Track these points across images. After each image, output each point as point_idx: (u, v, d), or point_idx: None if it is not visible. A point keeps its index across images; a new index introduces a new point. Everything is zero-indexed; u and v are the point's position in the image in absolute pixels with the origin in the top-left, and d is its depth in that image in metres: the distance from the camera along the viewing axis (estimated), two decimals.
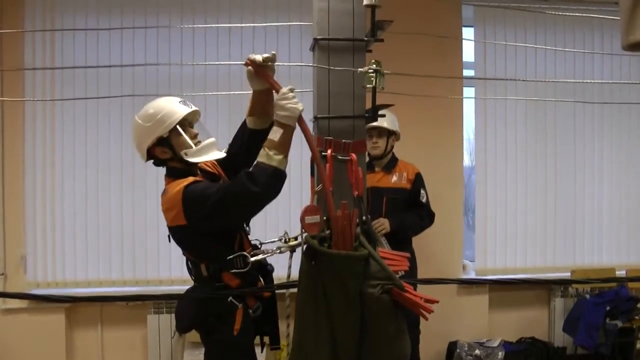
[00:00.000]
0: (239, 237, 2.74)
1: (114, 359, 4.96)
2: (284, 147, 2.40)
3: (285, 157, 2.42)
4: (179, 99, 2.71)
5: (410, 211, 4.38)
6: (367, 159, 4.25)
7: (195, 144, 2.69)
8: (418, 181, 4.43)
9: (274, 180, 2.40)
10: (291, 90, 2.38)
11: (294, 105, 2.34)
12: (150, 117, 2.62)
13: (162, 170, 2.79)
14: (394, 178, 4.39)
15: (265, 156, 2.39)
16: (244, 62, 2.46)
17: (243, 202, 2.45)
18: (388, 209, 4.29)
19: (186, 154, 2.65)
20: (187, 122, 2.68)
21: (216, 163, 2.87)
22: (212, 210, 2.44)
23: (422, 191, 4.43)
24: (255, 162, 2.44)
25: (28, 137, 4.80)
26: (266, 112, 2.78)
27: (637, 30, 1.05)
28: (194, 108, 2.71)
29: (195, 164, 2.70)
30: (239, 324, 2.65)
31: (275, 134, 2.39)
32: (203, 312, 2.70)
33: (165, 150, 2.67)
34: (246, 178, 2.39)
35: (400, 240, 4.21)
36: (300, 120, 2.37)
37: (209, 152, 2.72)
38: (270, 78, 2.46)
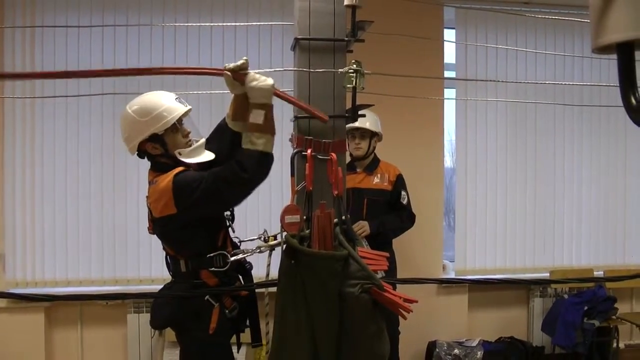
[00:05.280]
0: (223, 234, 2.75)
1: (94, 359, 4.93)
2: (268, 127, 2.42)
3: (272, 135, 2.45)
4: (174, 96, 2.70)
5: (391, 213, 4.40)
6: (349, 159, 4.30)
7: (187, 143, 2.70)
8: (399, 183, 4.44)
9: (262, 164, 2.43)
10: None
11: (264, 83, 2.36)
12: (147, 113, 2.60)
13: (144, 169, 2.79)
14: (376, 179, 4.40)
15: (249, 142, 2.41)
16: (222, 67, 2.46)
17: (233, 188, 2.47)
18: (369, 210, 4.30)
19: (180, 154, 2.65)
20: (180, 120, 2.68)
21: None
22: (203, 195, 2.45)
23: (403, 193, 4.44)
24: (241, 150, 2.45)
25: (7, 135, 4.76)
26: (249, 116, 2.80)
27: (606, 34, 1.06)
28: (188, 106, 2.71)
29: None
30: (214, 323, 2.65)
31: (257, 117, 2.39)
32: (179, 309, 2.70)
33: (157, 146, 2.67)
34: (236, 164, 2.41)
35: (381, 241, 4.22)
36: (275, 91, 2.39)
37: (201, 153, 2.73)
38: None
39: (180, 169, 2.60)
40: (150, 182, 2.69)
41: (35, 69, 4.74)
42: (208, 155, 2.74)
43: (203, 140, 2.77)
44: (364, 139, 4.33)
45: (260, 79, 2.37)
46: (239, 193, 2.54)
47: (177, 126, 2.66)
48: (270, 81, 2.38)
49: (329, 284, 2.18)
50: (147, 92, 2.71)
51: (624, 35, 1.06)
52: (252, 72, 2.39)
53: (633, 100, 1.08)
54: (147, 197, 2.71)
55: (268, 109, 2.40)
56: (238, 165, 2.41)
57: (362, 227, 4.15)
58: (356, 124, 3.92)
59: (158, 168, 2.70)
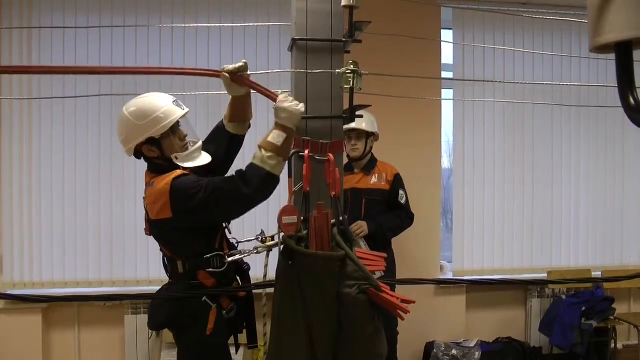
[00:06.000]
0: (220, 235, 2.74)
1: None
2: (284, 151, 2.39)
3: (285, 160, 2.42)
4: (172, 98, 2.68)
5: (390, 212, 4.38)
6: (347, 160, 4.30)
7: (184, 146, 2.69)
8: (397, 182, 4.43)
9: (267, 185, 2.40)
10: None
11: (296, 107, 2.34)
12: (144, 116, 2.58)
13: (141, 170, 2.78)
14: (373, 179, 4.39)
15: (260, 159, 2.38)
16: (220, 69, 2.46)
17: (233, 202, 2.44)
18: (367, 210, 4.29)
19: (176, 158, 2.64)
20: (177, 123, 2.67)
21: None
22: (200, 204, 2.43)
23: (401, 192, 4.43)
24: (249, 164, 2.43)
25: (5, 136, 4.74)
26: (246, 117, 2.80)
27: (604, 33, 1.06)
28: (186, 109, 2.70)
29: None
30: (212, 324, 2.64)
31: (277, 137, 2.36)
32: (176, 311, 2.69)
33: (153, 149, 2.65)
34: (239, 179, 2.40)
35: (380, 242, 4.22)
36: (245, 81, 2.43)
37: (198, 157, 2.72)
38: (254, 84, 2.47)
39: (179, 172, 2.58)
40: (147, 184, 2.68)
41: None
42: (205, 159, 2.73)
43: (200, 143, 2.76)
44: (360, 139, 4.32)
45: (293, 102, 2.35)
46: (237, 208, 2.52)
47: (174, 130, 2.65)
48: (302, 108, 2.35)
49: (327, 285, 2.18)
50: (145, 94, 2.70)
51: (622, 35, 1.05)
52: (286, 93, 2.39)
53: (631, 100, 1.08)
54: (144, 198, 2.70)
55: (291, 133, 2.38)
56: (242, 180, 2.39)
57: (360, 227, 4.14)
58: (352, 125, 3.92)
59: (155, 169, 2.69)
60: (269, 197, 2.45)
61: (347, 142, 4.29)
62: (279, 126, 2.36)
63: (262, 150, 2.39)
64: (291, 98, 2.36)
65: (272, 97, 2.39)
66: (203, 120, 4.51)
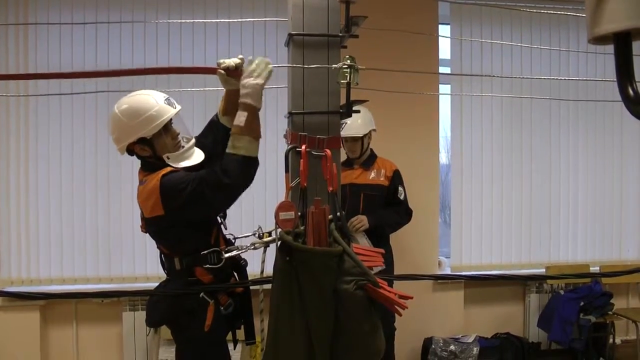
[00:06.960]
0: (215, 231, 2.74)
1: (89, 357, 4.91)
2: (250, 129, 2.40)
3: (255, 138, 2.42)
4: (163, 96, 2.66)
5: (388, 208, 4.39)
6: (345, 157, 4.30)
7: (177, 144, 2.68)
8: (396, 178, 4.43)
9: (244, 169, 2.41)
10: (251, 62, 2.39)
11: (254, 81, 2.34)
12: (135, 115, 2.56)
13: (138, 167, 2.77)
14: (372, 175, 4.39)
15: (231, 145, 2.40)
16: (216, 64, 2.46)
17: (217, 193, 2.44)
18: (365, 205, 4.29)
19: (168, 158, 2.63)
20: (169, 121, 2.65)
21: None
22: (188, 199, 2.43)
23: (400, 188, 4.42)
24: (225, 152, 2.43)
25: (1, 133, 4.73)
26: None
27: (603, 23, 1.05)
28: (178, 107, 2.68)
29: None
30: (210, 320, 2.64)
31: (239, 118, 2.38)
32: (174, 307, 2.68)
33: (145, 148, 2.64)
34: (219, 169, 2.40)
35: (378, 236, 4.22)
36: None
37: (190, 156, 2.71)
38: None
39: (169, 169, 2.58)
40: (140, 182, 2.67)
41: (29, 67, 4.72)
42: (198, 157, 2.73)
43: (193, 141, 2.75)
44: (356, 142, 4.31)
45: (253, 75, 2.35)
46: (222, 198, 2.52)
47: (166, 128, 2.64)
48: (260, 80, 2.35)
49: (324, 281, 2.17)
50: (137, 92, 2.68)
51: (621, 25, 1.04)
52: (253, 66, 2.38)
53: (630, 92, 1.07)
54: (137, 196, 2.70)
55: (251, 110, 2.38)
56: (221, 170, 2.39)
57: (360, 222, 4.14)
58: (346, 134, 3.95)
59: (148, 167, 2.68)
60: (251, 180, 2.47)
61: (344, 143, 4.29)
62: (240, 105, 2.39)
63: (232, 135, 2.41)
64: (257, 71, 2.37)
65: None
66: (200, 116, 4.48)
